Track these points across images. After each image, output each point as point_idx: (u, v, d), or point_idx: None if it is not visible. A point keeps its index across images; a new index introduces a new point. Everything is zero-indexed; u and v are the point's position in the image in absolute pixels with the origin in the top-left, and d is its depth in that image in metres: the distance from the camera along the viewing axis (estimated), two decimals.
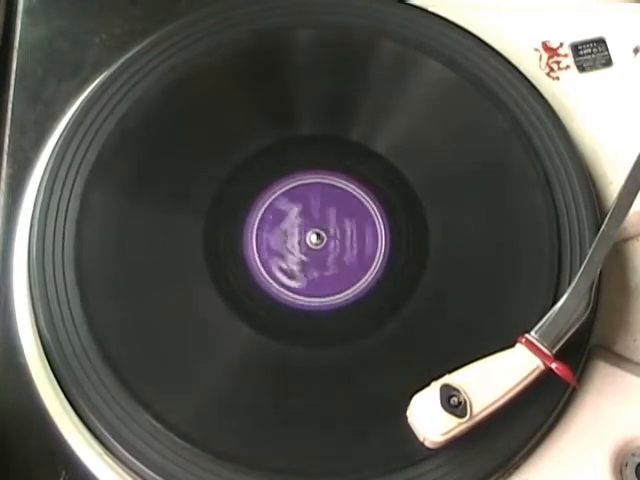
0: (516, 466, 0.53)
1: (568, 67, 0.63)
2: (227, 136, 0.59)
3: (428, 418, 0.50)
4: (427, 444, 0.51)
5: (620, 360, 0.56)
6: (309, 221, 0.58)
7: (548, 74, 0.62)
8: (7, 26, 0.63)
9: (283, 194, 0.59)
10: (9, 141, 0.60)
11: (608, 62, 0.63)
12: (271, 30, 0.61)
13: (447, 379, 0.50)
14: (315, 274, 0.57)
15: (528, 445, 0.53)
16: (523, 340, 0.51)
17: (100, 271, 0.55)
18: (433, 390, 0.50)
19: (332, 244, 0.58)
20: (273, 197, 0.58)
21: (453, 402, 0.49)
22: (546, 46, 0.63)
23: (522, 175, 0.58)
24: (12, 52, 0.62)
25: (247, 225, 0.58)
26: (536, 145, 0.59)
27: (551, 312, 0.52)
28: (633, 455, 0.53)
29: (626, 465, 0.53)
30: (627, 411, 0.54)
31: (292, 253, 0.57)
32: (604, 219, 0.54)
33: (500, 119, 0.59)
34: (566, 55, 0.63)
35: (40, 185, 0.57)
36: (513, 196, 0.58)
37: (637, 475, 0.52)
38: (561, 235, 0.56)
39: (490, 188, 0.58)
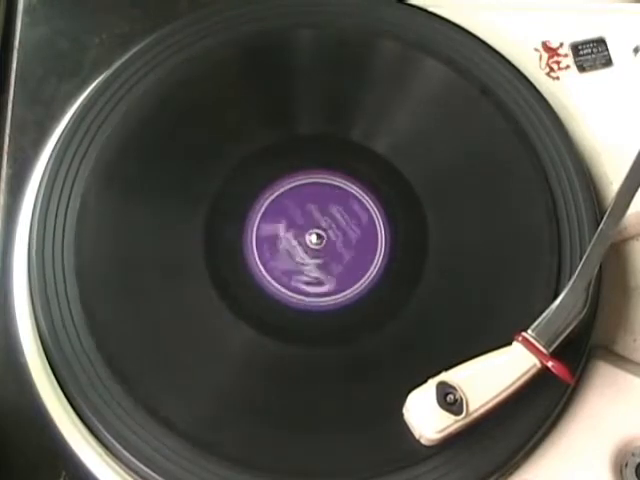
0: (516, 466, 0.53)
1: (568, 67, 0.63)
2: (227, 136, 0.60)
3: (424, 415, 0.50)
4: (423, 441, 0.51)
5: (620, 360, 0.56)
6: (309, 221, 0.58)
7: (548, 74, 0.62)
8: (7, 26, 0.63)
9: (283, 194, 0.59)
10: (9, 141, 0.60)
11: (608, 62, 0.63)
12: (271, 30, 0.61)
13: (444, 376, 0.50)
14: (315, 274, 0.57)
15: (528, 445, 0.53)
16: (520, 338, 0.51)
17: (100, 271, 0.55)
18: (429, 387, 0.50)
19: (332, 244, 0.57)
20: (273, 197, 0.58)
21: (449, 399, 0.49)
22: (546, 46, 0.63)
23: (522, 175, 0.58)
24: (12, 52, 0.62)
25: (247, 225, 0.58)
26: (536, 145, 0.59)
27: (548, 311, 0.52)
28: (633, 455, 0.53)
29: (626, 465, 0.53)
30: (627, 411, 0.54)
31: (292, 253, 0.57)
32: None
33: (500, 119, 0.59)
34: (566, 55, 0.63)
35: (40, 185, 0.57)
36: (513, 196, 0.58)
37: (637, 475, 0.52)
38: (561, 235, 0.56)
39: (490, 188, 0.58)
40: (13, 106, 0.61)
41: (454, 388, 0.50)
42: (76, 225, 0.56)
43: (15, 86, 0.61)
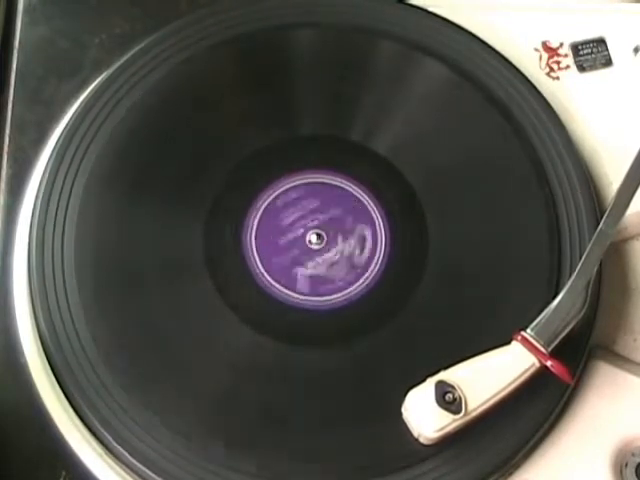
0: (516, 466, 0.53)
1: (568, 67, 0.63)
2: (227, 136, 0.60)
3: (423, 414, 0.50)
4: (421, 440, 0.51)
5: (620, 360, 0.56)
6: (309, 221, 0.58)
7: (548, 74, 0.62)
8: (7, 26, 0.63)
9: (283, 194, 0.59)
10: (9, 141, 0.60)
11: (608, 62, 0.63)
12: (271, 30, 0.61)
13: (442, 375, 0.50)
14: (315, 274, 0.57)
15: (528, 445, 0.53)
16: (519, 337, 0.51)
17: (100, 271, 0.55)
18: (428, 386, 0.50)
19: (332, 244, 0.57)
20: (273, 197, 0.58)
21: (448, 398, 0.49)
22: (546, 46, 0.63)
23: (522, 175, 0.58)
24: (12, 52, 0.62)
25: (247, 225, 0.58)
26: (536, 145, 0.59)
27: (547, 310, 0.52)
28: (633, 455, 0.53)
29: (626, 465, 0.53)
30: (627, 411, 0.54)
31: (292, 253, 0.57)
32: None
33: (500, 119, 0.59)
34: (566, 55, 0.63)
35: (40, 185, 0.57)
36: (513, 196, 0.58)
37: (637, 475, 0.52)
38: (561, 235, 0.56)
39: (490, 188, 0.58)
40: (13, 106, 0.61)
41: (453, 387, 0.50)
42: (76, 225, 0.56)
43: (15, 86, 0.61)
